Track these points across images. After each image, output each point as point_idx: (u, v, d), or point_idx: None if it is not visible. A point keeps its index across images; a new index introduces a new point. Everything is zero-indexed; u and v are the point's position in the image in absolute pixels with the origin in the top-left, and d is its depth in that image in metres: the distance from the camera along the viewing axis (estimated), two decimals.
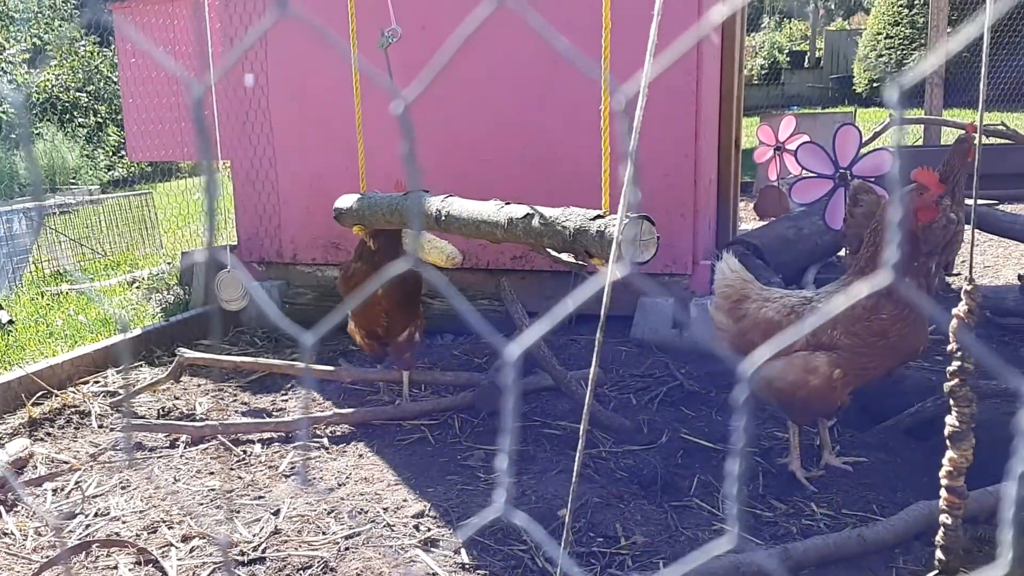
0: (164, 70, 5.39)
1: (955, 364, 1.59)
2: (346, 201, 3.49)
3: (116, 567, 2.63)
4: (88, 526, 2.91)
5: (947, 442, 1.64)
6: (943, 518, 1.68)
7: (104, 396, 4.09)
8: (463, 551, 2.66)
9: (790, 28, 27.83)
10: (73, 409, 3.93)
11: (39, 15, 20.88)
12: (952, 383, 1.61)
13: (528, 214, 2.39)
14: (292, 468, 3.30)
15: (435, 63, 3.97)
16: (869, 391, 3.30)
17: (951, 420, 1.61)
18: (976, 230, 5.94)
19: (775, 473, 3.13)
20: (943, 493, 1.69)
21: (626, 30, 3.54)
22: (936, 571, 2.05)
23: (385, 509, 2.92)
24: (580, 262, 2.35)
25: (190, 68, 5.40)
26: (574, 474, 1.78)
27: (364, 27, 3.76)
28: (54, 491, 3.20)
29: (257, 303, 4.91)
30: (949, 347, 1.61)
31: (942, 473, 1.65)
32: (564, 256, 2.38)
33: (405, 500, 3.00)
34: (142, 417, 3.84)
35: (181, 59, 5.41)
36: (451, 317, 4.86)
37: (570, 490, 2.69)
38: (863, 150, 4.81)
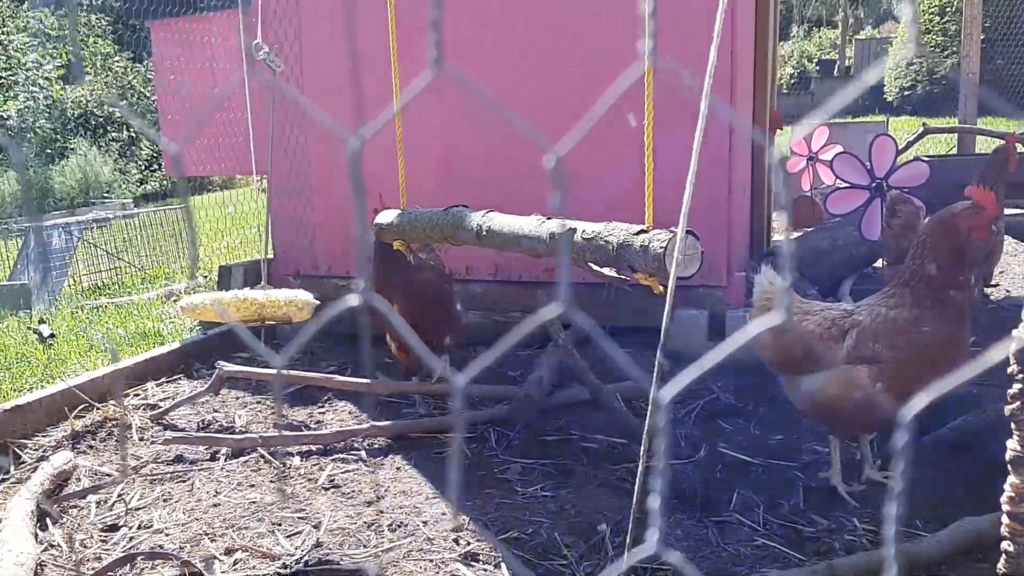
0: (201, 87, 5.46)
1: (1016, 387, 1.57)
2: (387, 216, 3.52)
3: None
4: (132, 538, 2.94)
5: (1008, 467, 1.62)
6: (1005, 545, 1.66)
7: (144, 409, 4.14)
8: (503, 565, 2.66)
9: (819, 37, 27.69)
10: (114, 422, 3.98)
11: (75, 32, 21.26)
12: (1013, 406, 1.59)
13: (570, 229, 2.41)
14: (331, 481, 3.32)
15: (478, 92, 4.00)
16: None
17: (1012, 444, 1.59)
18: (1013, 239, 5.86)
19: (815, 488, 3.10)
20: (1004, 519, 1.66)
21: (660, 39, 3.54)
22: None
23: (424, 522, 2.93)
24: (623, 276, 2.35)
25: (224, 85, 5.47)
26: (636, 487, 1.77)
27: (404, 43, 3.79)
28: (97, 503, 3.23)
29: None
30: (1010, 369, 1.58)
31: (1004, 499, 1.62)
32: (606, 271, 2.39)
33: (444, 513, 3.01)
34: (182, 430, 3.88)
35: (217, 75, 5.48)
36: (483, 329, 4.87)
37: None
38: (898, 160, 4.77)
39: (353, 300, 0.77)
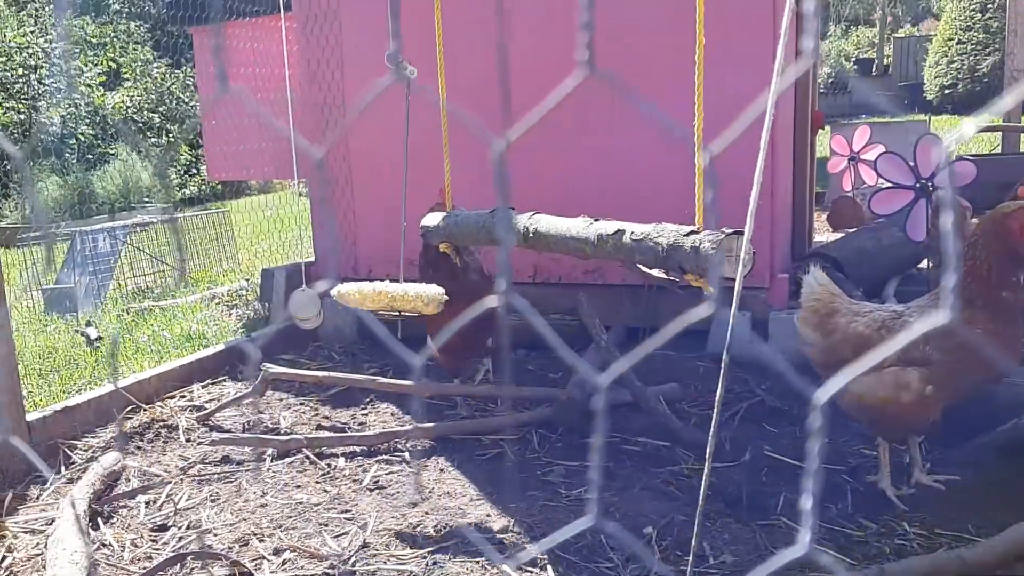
0: (244, 92, 5.52)
1: None
2: (433, 219, 3.54)
3: None
4: (181, 538, 2.98)
5: None
6: None
7: (191, 410, 4.20)
8: (549, 568, 2.66)
9: (857, 35, 27.36)
10: (161, 423, 4.03)
11: (115, 39, 21.61)
12: None
13: (619, 230, 2.40)
14: (376, 482, 3.34)
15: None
16: (961, 406, 3.22)
17: None
18: None
19: (863, 491, 3.07)
20: None
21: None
22: None
23: (469, 524, 2.94)
24: (672, 278, 2.34)
25: (266, 89, 5.53)
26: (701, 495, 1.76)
27: (449, 49, 3.81)
28: (147, 504, 3.28)
29: (334, 319, 4.99)
30: None
31: None
32: (655, 272, 2.38)
33: (488, 515, 3.02)
34: (228, 431, 3.92)
35: (260, 80, 5.54)
36: (524, 331, 4.87)
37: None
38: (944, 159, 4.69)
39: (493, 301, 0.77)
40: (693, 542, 1.88)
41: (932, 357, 2.76)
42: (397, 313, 3.65)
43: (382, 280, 3.50)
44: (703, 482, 1.81)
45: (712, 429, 1.73)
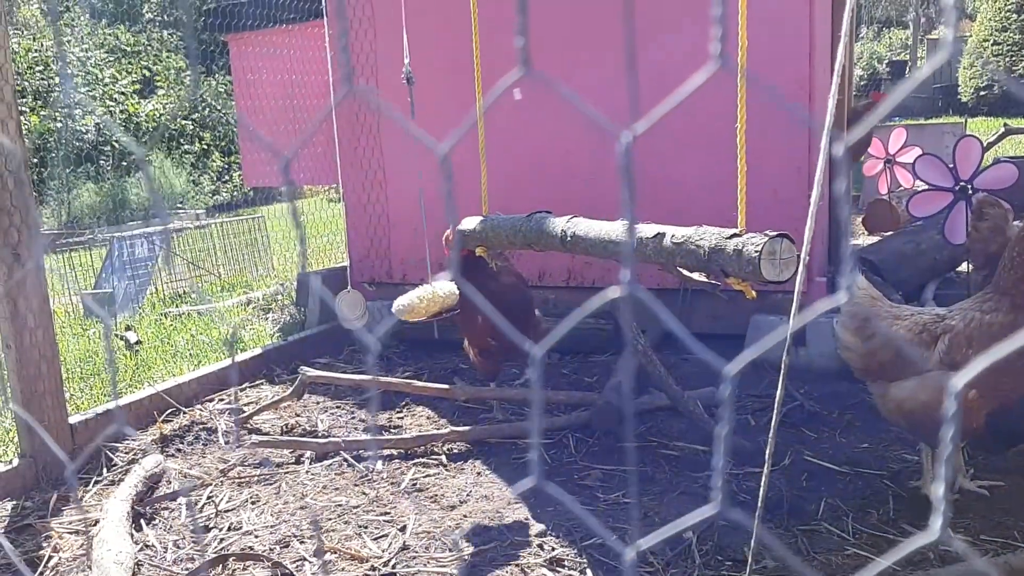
0: (280, 99, 5.58)
1: None
2: (469, 223, 3.55)
3: None
4: (222, 540, 3.01)
5: None
6: None
7: (229, 413, 4.24)
8: (588, 571, 2.66)
9: (889, 37, 27.10)
10: (201, 426, 4.08)
11: (148, 48, 21.91)
12: None
13: (659, 233, 2.39)
14: (414, 484, 3.36)
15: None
16: (1006, 413, 3.17)
17: None
18: None
19: (906, 497, 3.03)
20: None
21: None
22: None
23: (508, 527, 2.94)
24: (714, 281, 2.33)
25: (302, 95, 5.58)
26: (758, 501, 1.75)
27: (486, 50, 3.83)
28: (188, 505, 3.32)
29: (372, 322, 5.02)
30: None
31: None
32: (695, 275, 2.37)
33: (526, 519, 3.02)
34: (267, 434, 3.96)
35: (294, 87, 5.60)
36: (560, 324, 4.87)
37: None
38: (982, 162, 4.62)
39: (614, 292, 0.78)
40: (751, 547, 1.87)
41: None
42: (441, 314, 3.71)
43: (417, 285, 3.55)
44: (762, 488, 1.80)
45: (771, 435, 1.72)
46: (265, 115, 5.66)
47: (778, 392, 1.72)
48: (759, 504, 1.89)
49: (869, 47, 25.25)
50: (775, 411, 1.80)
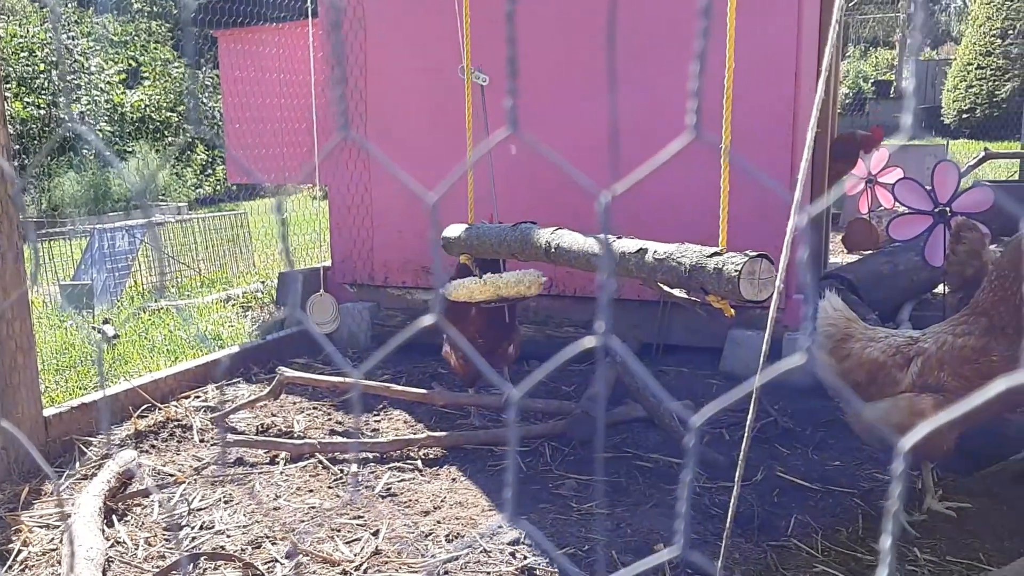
0: (267, 97, 5.57)
1: None
2: (454, 231, 3.56)
3: None
4: (194, 539, 3.00)
5: None
6: None
7: (205, 411, 4.23)
8: None
9: (875, 57, 27.35)
10: (176, 423, 4.07)
11: (135, 38, 21.76)
12: None
13: (642, 249, 2.42)
14: (388, 489, 3.36)
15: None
16: (974, 435, 3.22)
17: None
18: None
19: (875, 516, 3.07)
20: None
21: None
22: None
23: (481, 535, 2.95)
24: (694, 298, 2.35)
25: (290, 95, 5.58)
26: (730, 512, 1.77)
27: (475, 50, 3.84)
28: (160, 503, 3.31)
29: (350, 324, 5.03)
30: None
31: None
32: (676, 292, 2.40)
33: (500, 526, 3.03)
34: (242, 433, 3.95)
35: (285, 86, 5.59)
36: (538, 343, 4.90)
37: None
38: (960, 185, 4.69)
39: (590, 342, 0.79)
40: (719, 563, 1.89)
41: (947, 384, 2.77)
42: (501, 300, 3.77)
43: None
44: (731, 503, 1.82)
45: (742, 454, 1.74)
46: (251, 111, 5.65)
47: (749, 415, 1.74)
48: (728, 522, 1.91)
49: (855, 66, 25.48)
50: (747, 431, 1.82)
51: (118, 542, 2.98)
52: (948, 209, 4.62)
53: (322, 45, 5.25)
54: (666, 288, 2.41)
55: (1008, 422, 3.63)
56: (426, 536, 2.95)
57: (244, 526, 3.07)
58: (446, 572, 2.70)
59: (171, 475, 3.53)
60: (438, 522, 3.06)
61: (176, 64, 21.77)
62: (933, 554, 2.81)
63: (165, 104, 20.77)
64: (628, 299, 4.91)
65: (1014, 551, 2.68)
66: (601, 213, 0.84)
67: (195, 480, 3.49)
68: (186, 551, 2.89)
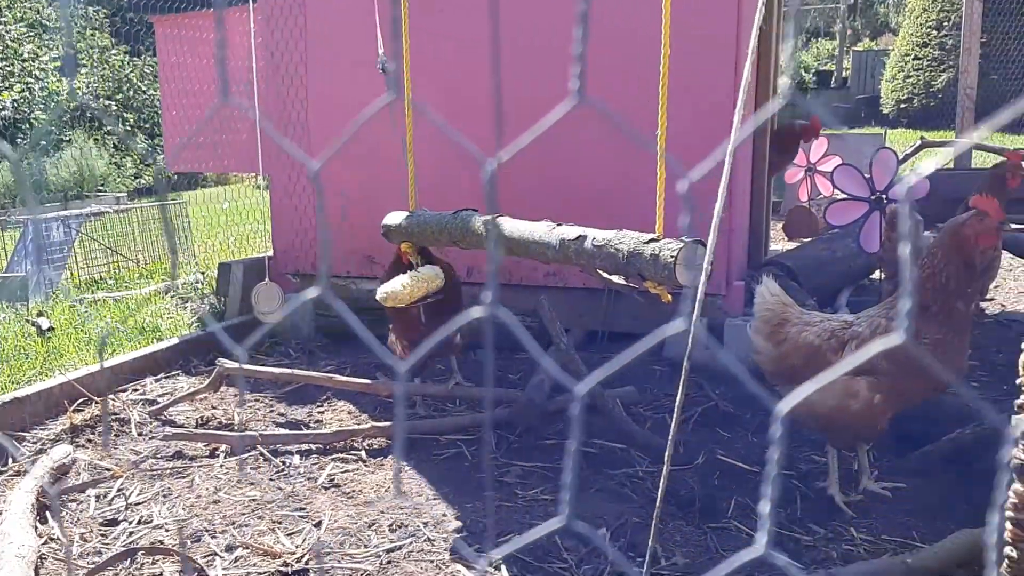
0: (205, 84, 5.47)
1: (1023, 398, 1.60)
2: (395, 218, 3.53)
3: (161, 575, 2.67)
4: (131, 533, 2.95)
5: (1013, 475, 1.65)
6: (1008, 551, 1.68)
7: (143, 404, 4.15)
8: (503, 568, 2.68)
9: (816, 47, 27.79)
10: (113, 416, 3.98)
11: (72, 24, 21.17)
12: (1021, 416, 1.61)
13: (580, 236, 2.42)
14: (331, 480, 3.33)
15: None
16: (907, 416, 3.30)
17: (1018, 453, 1.61)
18: (1011, 255, 5.92)
19: (813, 497, 3.13)
20: (1008, 526, 1.69)
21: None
22: None
23: (425, 523, 2.95)
24: (632, 284, 2.37)
25: (234, 80, 5.47)
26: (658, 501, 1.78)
27: (413, 40, 3.81)
28: (97, 498, 3.24)
29: (293, 315, 4.97)
30: (1019, 380, 1.61)
31: (1008, 505, 1.65)
32: (615, 278, 2.41)
33: (444, 515, 3.02)
34: (181, 426, 3.88)
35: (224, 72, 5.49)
36: (484, 331, 4.89)
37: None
38: (898, 173, 4.80)
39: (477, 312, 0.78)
40: (650, 543, 1.90)
41: (881, 367, 2.83)
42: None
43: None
44: (661, 485, 1.83)
45: (671, 434, 1.75)
46: (190, 98, 5.53)
47: (678, 396, 1.76)
48: (657, 503, 1.92)
49: (798, 56, 25.86)
50: (675, 413, 1.84)
51: (52, 539, 2.91)
52: (884, 197, 4.72)
53: (261, 31, 5.16)
54: (604, 275, 2.43)
55: (941, 404, 3.73)
56: (369, 526, 2.93)
57: (183, 520, 3.02)
58: (389, 562, 2.69)
59: (108, 470, 3.45)
60: (382, 512, 3.04)
61: (115, 52, 21.26)
62: (868, 533, 2.88)
63: (103, 92, 20.27)
64: (574, 287, 4.93)
65: (946, 528, 2.75)
66: (487, 181, 0.83)
67: (133, 475, 3.42)
68: (123, 546, 2.84)
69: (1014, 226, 5.05)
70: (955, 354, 2.83)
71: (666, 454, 1.83)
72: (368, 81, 4.96)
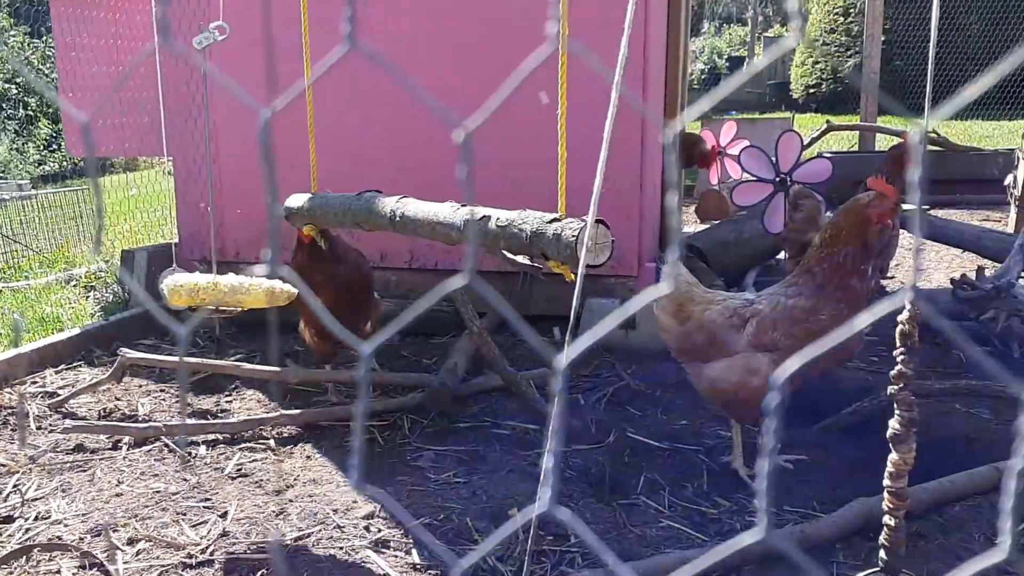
0: (104, 65, 5.27)
1: (897, 368, 1.66)
2: (297, 200, 3.47)
3: (59, 571, 2.58)
4: (28, 530, 2.84)
5: (889, 444, 1.71)
6: (886, 519, 1.75)
7: (43, 397, 4.00)
8: (414, 551, 2.67)
9: (729, 33, 28.34)
10: (9, 410, 3.83)
11: None
12: (894, 387, 1.67)
13: (485, 216, 2.42)
14: (239, 470, 3.27)
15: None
16: (809, 391, 3.40)
17: (893, 423, 1.68)
18: (910, 235, 6.15)
19: (719, 471, 3.20)
20: (885, 495, 1.76)
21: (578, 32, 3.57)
22: (878, 569, 2.12)
23: (335, 511, 2.92)
24: (536, 264, 2.38)
25: (126, 63, 5.29)
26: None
27: (316, 18, 3.73)
28: None
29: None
30: (895, 352, 1.67)
31: (885, 474, 1.71)
32: (519, 258, 2.41)
33: (355, 501, 3.00)
34: (83, 418, 3.76)
35: (123, 53, 5.31)
36: (398, 316, 4.86)
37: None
38: (802, 156, 4.92)
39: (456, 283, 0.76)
40: (531, 529, 1.91)
41: (780, 343, 2.90)
42: (235, 309, 3.49)
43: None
44: (543, 465, 1.84)
45: (554, 417, 1.77)
46: (89, 80, 5.32)
47: (561, 375, 1.76)
48: (540, 478, 1.93)
49: (711, 42, 26.32)
50: (556, 396, 1.85)
51: None
52: (788, 178, 4.83)
53: (160, 10, 4.99)
54: (509, 255, 2.43)
55: (841, 378, 3.85)
56: (277, 515, 2.89)
57: (84, 514, 2.93)
58: (296, 550, 2.66)
59: (3, 465, 3.32)
60: (290, 500, 3.00)
61: (13, 33, 20.37)
62: (772, 504, 2.96)
63: (2, 75, 19.40)
64: (489, 271, 4.92)
65: (844, 498, 2.85)
66: (462, 146, 0.81)
67: (30, 469, 3.30)
68: (18, 544, 2.73)
69: (908, 207, 5.22)
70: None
71: (549, 432, 1.84)
72: (280, 57, 4.85)
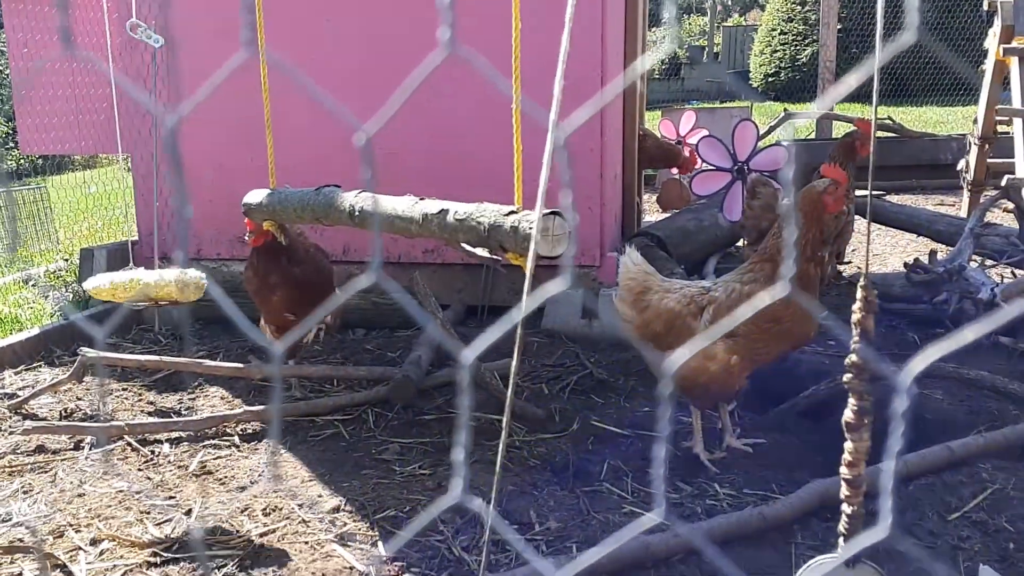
0: (59, 62, 5.20)
1: (852, 357, 1.70)
2: (256, 196, 3.46)
3: (21, 574, 2.57)
4: None
5: (845, 432, 1.76)
6: (844, 507, 1.79)
7: (2, 398, 3.96)
8: (380, 544, 2.69)
9: (689, 23, 28.47)
10: None
11: None
12: (848, 376, 1.72)
13: (443, 210, 2.44)
14: (203, 467, 3.26)
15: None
16: (767, 375, 3.47)
17: (847, 413, 1.72)
18: (866, 220, 6.26)
19: (680, 456, 3.25)
20: (842, 483, 1.80)
21: (535, 22, 3.59)
22: (836, 556, 2.17)
23: (300, 505, 2.93)
24: (494, 256, 2.40)
25: (90, 57, 5.23)
26: (498, 464, 1.82)
27: (273, 20, 3.71)
28: None
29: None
30: (851, 341, 1.71)
31: (842, 463, 1.75)
32: (478, 251, 2.44)
33: (320, 495, 3.01)
34: (44, 419, 3.72)
35: (76, 49, 5.23)
36: (364, 311, 4.86)
37: (493, 480, 2.75)
38: (760, 144, 5.00)
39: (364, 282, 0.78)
40: (488, 521, 1.94)
41: (737, 329, 2.96)
42: (154, 302, 3.58)
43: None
44: (499, 451, 1.87)
45: (507, 405, 1.79)
46: (42, 79, 5.24)
47: (513, 362, 1.79)
48: (497, 468, 1.96)
49: (671, 32, 26.37)
50: (509, 386, 1.88)
51: None
52: (746, 166, 4.91)
53: (116, 6, 4.94)
54: (468, 248, 2.45)
55: (798, 362, 3.93)
56: (242, 511, 2.89)
57: (45, 516, 2.91)
58: (261, 546, 2.66)
59: None
60: (255, 496, 3.00)
61: None
62: (731, 488, 3.02)
63: None
64: (452, 263, 4.95)
65: (802, 480, 2.91)
66: (362, 148, 0.83)
67: None
68: None
69: (861, 193, 5.33)
70: (806, 315, 2.98)
71: (504, 422, 1.87)
72: (231, 57, 4.82)
